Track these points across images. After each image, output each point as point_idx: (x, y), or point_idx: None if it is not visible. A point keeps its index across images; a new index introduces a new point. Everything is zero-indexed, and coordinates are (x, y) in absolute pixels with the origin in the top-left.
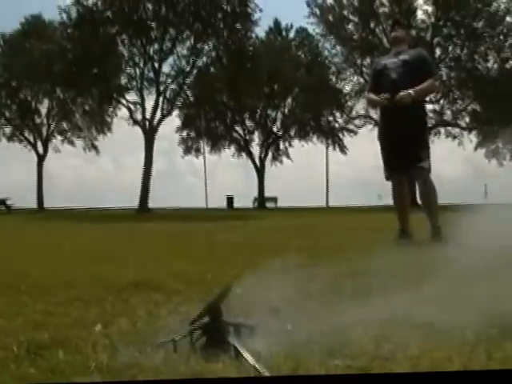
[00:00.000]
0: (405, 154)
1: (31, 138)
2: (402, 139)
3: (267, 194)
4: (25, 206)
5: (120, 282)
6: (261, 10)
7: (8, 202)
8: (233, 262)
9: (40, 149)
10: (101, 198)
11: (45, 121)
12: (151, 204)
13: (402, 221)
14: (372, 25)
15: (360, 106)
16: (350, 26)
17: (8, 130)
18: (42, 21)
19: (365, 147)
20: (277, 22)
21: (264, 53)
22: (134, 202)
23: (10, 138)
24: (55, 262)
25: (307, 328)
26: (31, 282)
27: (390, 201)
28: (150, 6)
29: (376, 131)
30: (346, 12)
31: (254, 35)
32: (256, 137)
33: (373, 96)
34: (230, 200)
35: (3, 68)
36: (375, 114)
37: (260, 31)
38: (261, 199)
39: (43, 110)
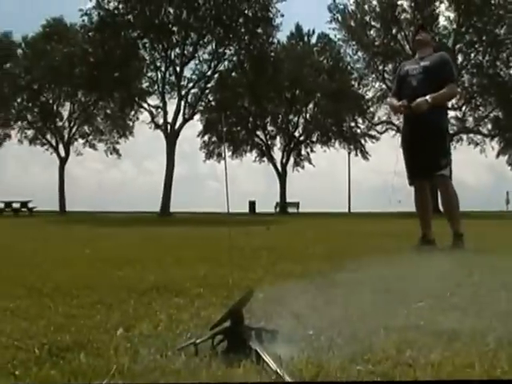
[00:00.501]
0: (425, 160)
1: (53, 141)
2: (422, 146)
3: (289, 199)
4: (47, 209)
5: (142, 285)
6: (282, 15)
7: (30, 205)
8: (254, 267)
9: (62, 152)
10: (122, 201)
11: (66, 124)
12: (173, 208)
13: (424, 227)
14: (394, 31)
15: (382, 112)
16: (372, 32)
17: (30, 132)
18: (64, 24)
19: (387, 153)
20: (298, 28)
21: (285, 58)
22: (156, 206)
23: (31, 141)
24: (77, 266)
25: (329, 333)
26: (53, 285)
27: (412, 207)
28: (171, 10)
29: (398, 137)
30: (367, 18)
31: (275, 40)
32: (278, 142)
33: (394, 101)
34: (252, 205)
35: (25, 71)
36: (397, 120)
37: (282, 36)
38: (282, 204)
39: (65, 113)
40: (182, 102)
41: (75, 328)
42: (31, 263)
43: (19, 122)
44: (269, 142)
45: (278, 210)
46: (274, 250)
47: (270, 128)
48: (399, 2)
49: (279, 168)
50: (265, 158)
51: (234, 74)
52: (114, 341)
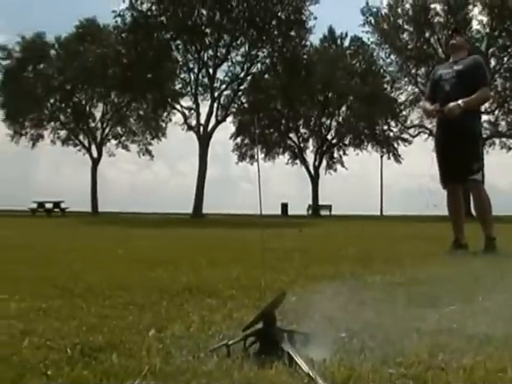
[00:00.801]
0: (458, 164)
1: (86, 142)
2: (454, 150)
3: (321, 201)
4: (79, 210)
5: (174, 286)
6: (315, 18)
7: (62, 206)
8: (287, 269)
9: (94, 152)
10: (155, 202)
11: (99, 125)
12: (205, 210)
13: (457, 231)
14: (427, 34)
15: (414, 116)
16: (405, 36)
17: (63, 133)
18: (97, 24)
19: (419, 157)
20: (331, 31)
21: (318, 61)
22: (188, 208)
23: (64, 142)
24: (109, 266)
25: (361, 336)
26: (85, 286)
27: (445, 211)
28: (204, 12)
29: (430, 141)
30: (400, 21)
31: (308, 43)
32: (310, 144)
33: (427, 105)
34: (284, 207)
35: (58, 71)
36: (430, 123)
37: (314, 39)
38: (315, 206)
39: (97, 113)
40: (215, 104)
41: (107, 328)
42: (64, 263)
43: (52, 123)
44: (301, 145)
45: (310, 212)
46: (306, 252)
47: (302, 130)
48: (432, 6)
49: (312, 170)
50: (297, 161)
51: (266, 76)
52: (146, 342)
